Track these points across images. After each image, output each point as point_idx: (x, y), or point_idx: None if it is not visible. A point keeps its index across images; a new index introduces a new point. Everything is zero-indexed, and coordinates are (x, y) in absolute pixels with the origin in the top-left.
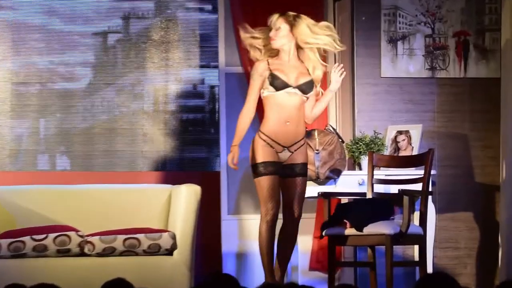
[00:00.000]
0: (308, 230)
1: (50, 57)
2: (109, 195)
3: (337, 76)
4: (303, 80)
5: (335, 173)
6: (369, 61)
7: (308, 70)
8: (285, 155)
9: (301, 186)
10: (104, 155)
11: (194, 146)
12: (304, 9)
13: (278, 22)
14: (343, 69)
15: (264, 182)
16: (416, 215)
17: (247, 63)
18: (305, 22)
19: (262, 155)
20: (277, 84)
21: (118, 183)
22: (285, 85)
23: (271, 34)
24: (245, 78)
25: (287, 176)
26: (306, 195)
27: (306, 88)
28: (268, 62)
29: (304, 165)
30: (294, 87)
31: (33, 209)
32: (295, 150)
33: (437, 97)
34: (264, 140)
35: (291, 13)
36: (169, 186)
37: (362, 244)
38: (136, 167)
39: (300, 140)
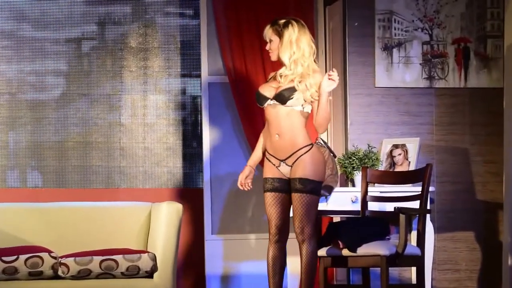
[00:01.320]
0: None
1: (20, 66)
2: (84, 213)
3: (327, 80)
4: (281, 89)
5: (327, 189)
6: (362, 70)
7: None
8: (285, 169)
9: (299, 203)
10: (79, 170)
11: (175, 161)
12: (293, 14)
13: (268, 34)
14: (334, 78)
15: (265, 199)
16: (414, 235)
17: (231, 71)
18: (288, 33)
19: (265, 171)
20: (259, 100)
21: (94, 200)
22: (265, 99)
23: (267, 47)
24: (229, 88)
25: (291, 191)
26: None
27: (283, 96)
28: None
29: (303, 180)
30: (271, 99)
31: (3, 229)
32: (293, 163)
33: (435, 108)
34: (266, 156)
35: (281, 21)
36: (148, 203)
37: (355, 266)
38: (113, 184)
39: (297, 151)
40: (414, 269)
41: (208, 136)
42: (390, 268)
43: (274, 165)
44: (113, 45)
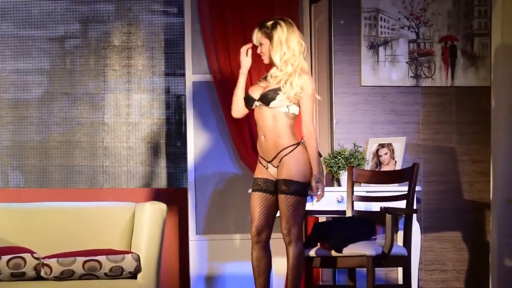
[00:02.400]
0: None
1: (2, 64)
2: (67, 213)
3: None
4: (265, 90)
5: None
6: (348, 68)
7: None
8: (272, 170)
9: (285, 204)
10: (61, 170)
11: (159, 161)
12: (277, 12)
13: (258, 37)
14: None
15: (250, 199)
16: (400, 235)
17: (216, 70)
18: (278, 34)
19: (255, 171)
20: (247, 101)
21: (77, 200)
22: (252, 100)
23: (258, 51)
24: (213, 87)
25: (278, 193)
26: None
27: (267, 98)
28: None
29: (287, 181)
30: (257, 100)
31: None
32: (278, 165)
33: (422, 107)
34: (258, 157)
35: (268, 23)
36: (132, 204)
37: (341, 266)
38: (96, 184)
39: (281, 151)
40: (400, 269)
41: (193, 135)
42: (376, 269)
43: (264, 166)
44: (96, 43)
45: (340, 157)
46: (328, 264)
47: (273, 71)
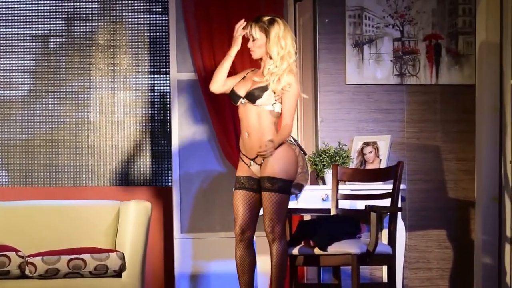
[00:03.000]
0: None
1: None
2: (52, 212)
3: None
4: (252, 88)
5: (297, 187)
6: (333, 67)
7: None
8: (255, 167)
9: (269, 202)
10: (46, 168)
11: (143, 159)
12: (263, 11)
13: (254, 31)
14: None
15: (234, 197)
16: (385, 233)
17: (201, 68)
18: (274, 30)
19: (238, 169)
20: (233, 98)
21: (61, 199)
22: (238, 97)
23: (249, 45)
24: (198, 85)
25: (261, 191)
26: None
27: (253, 95)
28: (244, 76)
29: (271, 179)
30: (243, 98)
31: None
32: (261, 163)
33: (406, 105)
34: (240, 155)
35: (266, 18)
36: (117, 202)
37: (326, 265)
38: (80, 182)
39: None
40: (385, 267)
41: (177, 133)
42: (361, 267)
43: (246, 164)
44: (80, 41)
45: (325, 155)
46: (311, 262)
47: (271, 67)
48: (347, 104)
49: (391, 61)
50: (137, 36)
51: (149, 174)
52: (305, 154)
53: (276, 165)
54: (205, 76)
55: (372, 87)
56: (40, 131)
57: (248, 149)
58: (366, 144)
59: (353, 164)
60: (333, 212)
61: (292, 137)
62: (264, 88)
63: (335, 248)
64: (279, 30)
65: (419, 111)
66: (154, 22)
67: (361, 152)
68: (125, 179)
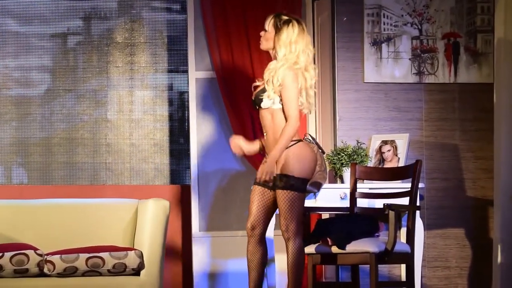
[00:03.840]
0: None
1: (5, 61)
2: (70, 210)
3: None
4: (255, 93)
5: (315, 186)
6: (351, 65)
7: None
8: None
9: (282, 200)
10: (64, 167)
11: (162, 157)
12: (280, 10)
13: (267, 23)
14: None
15: (251, 192)
16: (403, 232)
17: (219, 67)
18: (287, 31)
19: (260, 165)
20: (252, 105)
21: (79, 197)
22: (253, 103)
23: (261, 33)
24: (217, 83)
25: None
26: None
27: (256, 100)
28: None
29: (284, 176)
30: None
31: None
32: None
33: (424, 104)
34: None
35: (284, 17)
36: (135, 200)
37: (344, 263)
38: (99, 180)
39: None
40: (403, 266)
41: (195, 132)
42: (379, 266)
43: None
44: (99, 40)
45: (343, 154)
46: (329, 260)
47: (272, 65)
48: (365, 102)
49: (409, 59)
50: (155, 34)
51: (167, 172)
52: (323, 152)
53: (290, 163)
54: (223, 74)
55: (390, 86)
56: (58, 130)
57: (267, 147)
58: (384, 142)
59: (371, 162)
60: (351, 211)
61: (310, 135)
62: (262, 90)
63: (353, 246)
64: (292, 33)
65: (437, 109)
66: (172, 21)
67: (379, 151)
68: (143, 178)
